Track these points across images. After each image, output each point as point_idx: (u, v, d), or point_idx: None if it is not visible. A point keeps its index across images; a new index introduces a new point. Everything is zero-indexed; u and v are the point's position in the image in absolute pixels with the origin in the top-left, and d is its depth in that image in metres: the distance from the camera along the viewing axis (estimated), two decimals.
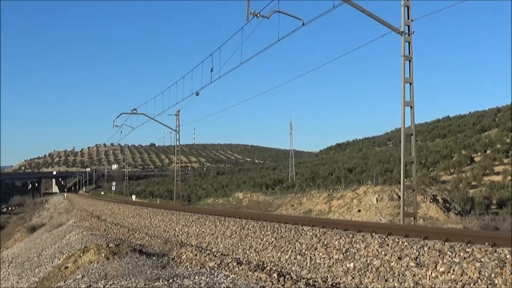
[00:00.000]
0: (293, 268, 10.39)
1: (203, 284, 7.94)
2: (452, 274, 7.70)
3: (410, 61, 15.93)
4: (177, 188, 47.18)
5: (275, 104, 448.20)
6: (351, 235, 10.92)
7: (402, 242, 9.52)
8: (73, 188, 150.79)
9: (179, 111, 43.73)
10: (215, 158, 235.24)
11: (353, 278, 8.98)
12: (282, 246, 11.89)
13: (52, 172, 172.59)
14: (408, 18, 15.88)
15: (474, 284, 7.25)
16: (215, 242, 14.67)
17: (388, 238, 10.01)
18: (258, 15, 16.54)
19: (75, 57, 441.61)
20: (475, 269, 7.53)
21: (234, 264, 9.92)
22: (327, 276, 9.42)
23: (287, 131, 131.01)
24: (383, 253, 9.35)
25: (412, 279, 8.10)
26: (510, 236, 8.75)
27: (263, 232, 13.54)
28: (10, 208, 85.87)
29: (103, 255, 11.18)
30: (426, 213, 21.91)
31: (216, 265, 9.88)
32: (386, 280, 8.44)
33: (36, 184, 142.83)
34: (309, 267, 10.18)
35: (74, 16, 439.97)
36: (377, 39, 20.39)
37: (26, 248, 24.82)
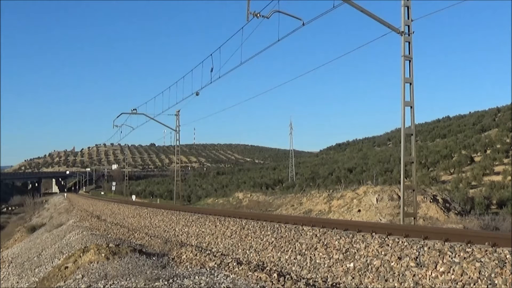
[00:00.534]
0: (293, 268, 10.39)
1: (203, 284, 7.94)
2: (452, 274, 7.70)
3: (410, 61, 15.93)
4: (177, 188, 47.18)
5: (275, 104, 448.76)
6: (351, 235, 10.92)
7: (402, 242, 9.52)
8: (73, 188, 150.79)
9: (179, 111, 43.76)
10: (215, 158, 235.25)
11: (353, 278, 8.98)
12: (282, 246, 11.89)
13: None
14: (408, 18, 15.88)
15: (474, 284, 7.25)
16: (215, 242, 14.67)
17: (388, 238, 10.01)
18: (258, 15, 16.54)
19: (75, 57, 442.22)
20: (475, 269, 7.53)
21: (234, 264, 9.92)
22: (327, 276, 9.42)
23: (287, 131, 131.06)
24: (383, 253, 9.34)
25: (412, 279, 8.10)
26: (510, 236, 8.75)
27: (263, 232, 13.54)
28: (10, 208, 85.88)
29: (103, 255, 11.18)
30: (426, 213, 21.90)
31: (216, 265, 9.88)
32: (386, 280, 8.44)
33: (36, 184, 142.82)
34: (309, 267, 10.18)
35: (74, 16, 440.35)
36: (377, 39, 20.40)
37: (26, 248, 24.81)
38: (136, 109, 41.21)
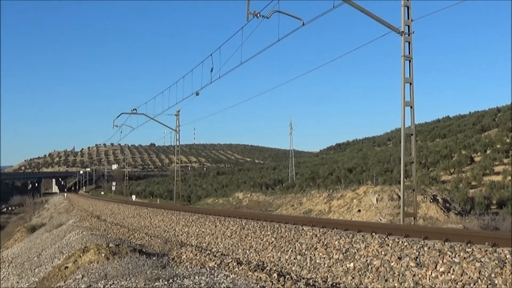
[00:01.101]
0: (293, 268, 10.39)
1: (203, 284, 7.94)
2: (452, 274, 7.70)
3: (410, 61, 15.92)
4: (177, 188, 47.18)
5: (275, 104, 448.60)
6: (351, 235, 10.92)
7: (402, 242, 9.52)
8: (73, 188, 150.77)
9: (179, 111, 43.74)
10: (215, 158, 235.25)
11: (353, 278, 8.98)
12: (282, 246, 11.89)
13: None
14: (408, 18, 15.87)
15: (474, 284, 7.25)
16: (215, 242, 14.67)
17: (388, 238, 10.01)
18: (258, 15, 16.54)
19: (75, 57, 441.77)
20: (475, 269, 7.53)
21: (234, 264, 9.92)
22: (327, 276, 9.42)
23: (287, 131, 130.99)
24: (383, 253, 9.35)
25: (412, 279, 8.10)
26: (510, 236, 8.75)
27: (263, 232, 13.54)
28: (10, 208, 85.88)
29: (103, 255, 11.18)
30: (426, 213, 21.91)
31: (216, 265, 9.89)
32: (386, 280, 8.44)
33: (36, 184, 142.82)
34: (309, 267, 10.18)
35: (74, 15, 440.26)
36: (377, 39, 20.45)
37: (26, 248, 24.82)
38: (136, 109, 41.19)
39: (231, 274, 8.92)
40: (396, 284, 8.21)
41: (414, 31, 15.96)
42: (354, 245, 10.19)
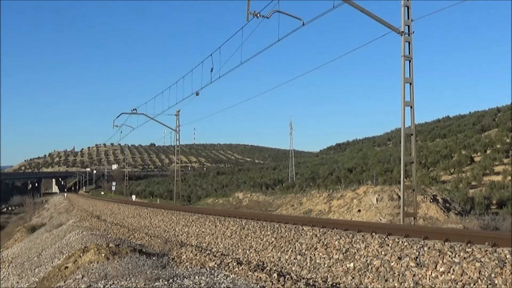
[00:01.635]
0: (293, 268, 10.39)
1: (203, 284, 7.94)
2: (452, 274, 7.70)
3: (410, 61, 15.92)
4: (177, 188, 47.18)
5: (275, 104, 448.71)
6: (351, 235, 10.92)
7: (402, 242, 9.52)
8: (73, 188, 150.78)
9: (179, 111, 43.74)
10: (215, 158, 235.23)
11: (353, 278, 8.98)
12: (282, 246, 11.89)
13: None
14: (408, 18, 15.87)
15: (474, 284, 7.25)
16: (215, 242, 14.67)
17: (388, 238, 10.01)
18: (258, 15, 16.53)
19: (75, 57, 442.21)
20: (475, 269, 7.53)
21: (234, 264, 9.92)
22: (327, 276, 9.42)
23: (287, 131, 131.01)
24: (383, 253, 9.34)
25: (412, 279, 8.10)
26: (510, 236, 8.75)
27: (263, 232, 13.54)
28: (10, 208, 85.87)
29: (103, 255, 11.18)
30: (426, 213, 21.90)
31: (216, 265, 9.88)
32: (386, 280, 8.44)
33: (36, 184, 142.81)
34: (309, 267, 10.18)
35: (74, 15, 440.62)
36: (377, 39, 20.44)
37: (26, 248, 24.81)
38: (136, 109, 41.20)
39: (231, 274, 8.92)
40: (396, 284, 8.21)
41: (414, 31, 15.97)
42: (354, 245, 10.19)
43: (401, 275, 8.35)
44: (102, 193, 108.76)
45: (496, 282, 7.13)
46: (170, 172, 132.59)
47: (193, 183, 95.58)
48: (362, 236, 10.59)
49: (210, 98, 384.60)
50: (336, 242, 10.71)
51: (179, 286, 7.85)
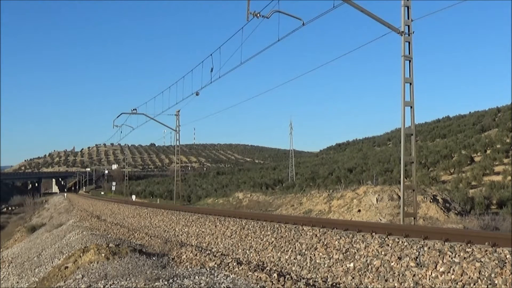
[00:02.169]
0: (293, 268, 10.39)
1: (203, 284, 7.94)
2: (452, 274, 7.70)
3: (410, 61, 15.93)
4: (177, 188, 47.17)
5: (275, 104, 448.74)
6: (351, 235, 10.92)
7: (402, 242, 9.52)
8: (73, 188, 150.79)
9: (179, 111, 43.78)
10: (215, 158, 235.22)
11: (353, 278, 8.98)
12: (282, 246, 11.89)
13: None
14: (408, 18, 15.87)
15: (474, 284, 7.25)
16: (215, 242, 14.67)
17: (388, 238, 10.01)
18: (258, 15, 16.53)
19: (75, 56, 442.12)
20: (475, 269, 7.53)
21: (234, 264, 9.92)
22: (327, 276, 9.42)
23: (287, 131, 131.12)
24: (383, 253, 9.35)
25: (412, 279, 8.10)
26: (510, 236, 8.75)
27: (263, 232, 13.54)
28: (10, 208, 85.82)
29: (103, 255, 11.18)
30: (426, 213, 21.90)
31: (216, 265, 9.88)
32: (386, 280, 8.44)
33: (36, 184, 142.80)
34: (309, 267, 10.18)
35: (74, 15, 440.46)
36: (377, 39, 20.38)
37: (26, 248, 24.81)
38: (136, 109, 41.22)
39: (231, 274, 8.92)
40: (396, 284, 8.21)
41: (414, 31, 15.97)
42: (354, 245, 10.19)
43: (401, 275, 8.35)
44: (102, 193, 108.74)
45: (496, 282, 7.13)
46: (170, 172, 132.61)
47: (193, 183, 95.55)
48: (362, 236, 10.59)
49: (210, 98, 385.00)
50: (336, 242, 10.71)
51: (179, 286, 7.85)
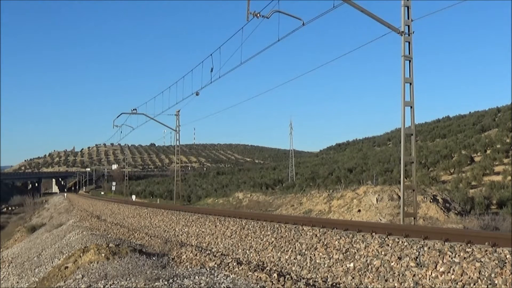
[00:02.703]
0: (293, 268, 10.39)
1: (203, 284, 7.94)
2: (452, 274, 7.70)
3: (410, 61, 15.93)
4: (177, 188, 47.17)
5: (275, 104, 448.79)
6: (351, 235, 10.92)
7: (402, 242, 9.52)
8: (73, 188, 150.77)
9: (179, 111, 43.77)
10: (215, 158, 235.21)
11: (353, 278, 8.98)
12: (282, 246, 11.89)
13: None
14: (408, 18, 15.87)
15: (474, 284, 7.25)
16: (215, 242, 14.67)
17: (388, 238, 10.01)
18: (258, 15, 16.53)
19: (75, 56, 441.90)
20: (475, 269, 7.53)
21: (234, 264, 9.92)
22: (327, 276, 9.42)
23: (287, 131, 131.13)
24: (383, 253, 9.34)
25: (412, 279, 8.10)
26: (510, 236, 8.75)
27: (263, 232, 13.54)
28: (10, 208, 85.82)
29: (103, 255, 11.18)
30: (426, 213, 21.89)
31: (216, 265, 9.88)
32: (386, 280, 8.44)
33: (36, 184, 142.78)
34: (309, 267, 10.18)
35: (74, 15, 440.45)
36: (377, 39, 20.34)
37: (26, 248, 24.81)
38: (136, 109, 41.20)
39: (231, 274, 8.92)
40: (396, 284, 8.21)
41: (414, 31, 15.97)
42: (354, 245, 10.19)
43: (401, 275, 8.35)
44: (102, 193, 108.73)
45: (496, 282, 7.13)
46: (170, 172, 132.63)
47: (193, 183, 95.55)
48: (362, 236, 10.59)
49: (210, 98, 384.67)
50: (336, 242, 10.71)
51: (179, 286, 7.85)
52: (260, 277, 8.43)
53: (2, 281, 18.39)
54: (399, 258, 8.86)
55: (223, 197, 55.83)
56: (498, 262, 7.51)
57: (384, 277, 8.55)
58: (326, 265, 9.90)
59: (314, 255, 10.58)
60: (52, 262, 15.60)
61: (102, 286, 8.65)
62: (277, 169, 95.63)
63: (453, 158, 46.58)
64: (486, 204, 26.10)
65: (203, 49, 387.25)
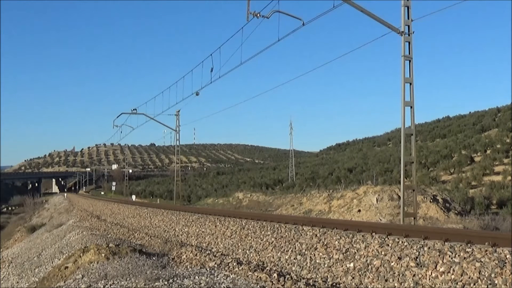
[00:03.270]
0: (293, 268, 10.39)
1: (203, 284, 7.94)
2: (452, 274, 7.70)
3: (410, 61, 15.93)
4: (177, 188, 47.18)
5: (275, 104, 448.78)
6: (351, 235, 10.92)
7: (402, 242, 9.52)
8: (73, 188, 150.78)
9: (179, 111, 43.71)
10: (215, 158, 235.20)
11: (353, 278, 8.98)
12: (282, 246, 11.89)
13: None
14: (408, 18, 15.87)
15: (474, 284, 7.26)
16: (215, 242, 14.67)
17: (388, 238, 10.01)
18: (258, 15, 16.53)
19: (75, 56, 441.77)
20: (475, 269, 7.53)
21: (234, 264, 9.92)
22: (327, 276, 9.42)
23: (287, 131, 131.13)
24: (383, 253, 9.35)
25: (412, 279, 8.10)
26: (510, 236, 8.75)
27: (263, 232, 13.54)
28: (10, 208, 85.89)
29: (103, 255, 11.18)
30: (426, 213, 21.90)
31: (216, 265, 9.88)
32: (386, 280, 8.44)
33: (36, 184, 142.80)
34: (309, 267, 10.18)
35: (75, 15, 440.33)
36: (377, 39, 20.36)
37: (26, 248, 24.82)
38: (136, 109, 41.14)
39: (231, 274, 8.92)
40: (396, 284, 8.21)
41: (414, 31, 15.97)
42: (354, 245, 10.19)
43: (401, 275, 8.35)
44: (102, 193, 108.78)
45: (496, 282, 7.13)
46: (170, 172, 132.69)
47: (193, 183, 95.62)
48: (362, 236, 10.59)
49: (210, 98, 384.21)
50: (336, 242, 10.71)
51: (179, 286, 7.85)
52: (260, 277, 8.43)
53: (2, 281, 18.39)
54: (399, 258, 8.86)
55: (223, 197, 55.86)
56: (498, 262, 7.51)
57: (384, 277, 8.55)
58: (326, 265, 9.90)
59: (314, 255, 10.59)
60: (52, 262, 15.60)
61: (102, 286, 8.65)
62: (277, 169, 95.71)
63: (453, 158, 46.60)
64: (486, 204, 26.14)
65: (203, 49, 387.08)
